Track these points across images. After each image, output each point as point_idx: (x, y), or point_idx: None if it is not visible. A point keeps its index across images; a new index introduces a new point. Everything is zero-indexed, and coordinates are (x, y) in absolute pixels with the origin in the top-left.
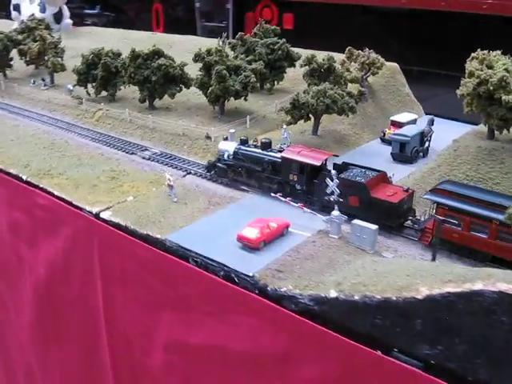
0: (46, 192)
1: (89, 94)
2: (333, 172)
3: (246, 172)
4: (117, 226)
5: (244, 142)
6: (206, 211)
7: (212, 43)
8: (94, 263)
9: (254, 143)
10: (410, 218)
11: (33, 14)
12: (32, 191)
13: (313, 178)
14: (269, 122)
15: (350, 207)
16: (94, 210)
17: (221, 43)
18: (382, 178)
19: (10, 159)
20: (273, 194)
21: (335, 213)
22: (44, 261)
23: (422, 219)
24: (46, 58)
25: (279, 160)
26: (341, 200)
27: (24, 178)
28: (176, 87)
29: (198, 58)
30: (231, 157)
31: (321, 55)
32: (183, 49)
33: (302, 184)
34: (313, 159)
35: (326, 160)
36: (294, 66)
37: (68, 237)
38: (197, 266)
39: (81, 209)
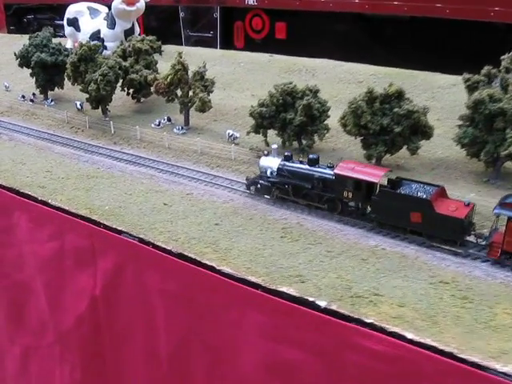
0: (378, 331)
1: (267, 144)
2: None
3: (292, 189)
4: None
5: (288, 158)
6: None
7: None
8: None
9: (300, 159)
10: (473, 232)
11: (98, 31)
12: (341, 326)
13: (368, 194)
14: None
15: (412, 223)
16: None
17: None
18: (441, 193)
19: (255, 263)
20: None
21: None
22: None
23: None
24: (178, 91)
25: (331, 177)
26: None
27: (323, 305)
28: (418, 140)
29: (479, 104)
30: (275, 174)
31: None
32: (331, 78)
33: (358, 201)
34: (370, 176)
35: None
36: None
37: None
38: None
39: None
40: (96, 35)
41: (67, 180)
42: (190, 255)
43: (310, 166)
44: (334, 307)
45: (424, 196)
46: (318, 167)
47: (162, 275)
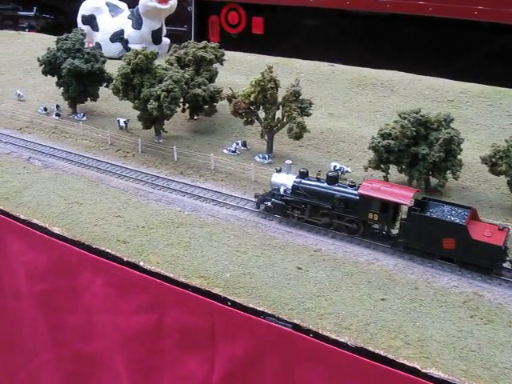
0: None
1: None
2: None
3: (309, 209)
4: None
5: (304, 175)
6: None
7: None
8: None
9: (318, 176)
10: (508, 259)
11: (121, 31)
12: None
13: (395, 217)
14: None
15: (444, 250)
16: None
17: None
18: (473, 216)
19: (467, 361)
20: None
21: None
22: None
23: None
24: (263, 111)
25: (355, 197)
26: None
27: None
28: None
29: None
30: (289, 191)
31: None
32: (414, 94)
33: (384, 224)
34: (399, 197)
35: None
36: None
37: None
38: None
39: None
40: (118, 36)
41: (150, 230)
42: (379, 352)
43: (329, 184)
44: None
45: (457, 220)
46: (339, 186)
47: (330, 373)
